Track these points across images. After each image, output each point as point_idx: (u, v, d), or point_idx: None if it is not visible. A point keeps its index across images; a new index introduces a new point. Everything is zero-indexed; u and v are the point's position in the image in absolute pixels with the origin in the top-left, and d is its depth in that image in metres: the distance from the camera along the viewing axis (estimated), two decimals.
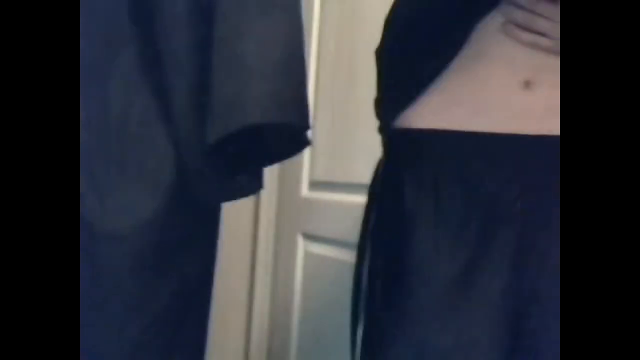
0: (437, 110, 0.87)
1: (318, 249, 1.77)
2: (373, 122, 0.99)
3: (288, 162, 1.81)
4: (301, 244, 1.85)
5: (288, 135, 0.95)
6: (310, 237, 1.81)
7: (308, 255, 1.82)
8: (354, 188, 1.49)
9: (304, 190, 1.85)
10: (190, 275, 0.95)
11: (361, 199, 1.01)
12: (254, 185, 1.02)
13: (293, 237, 1.87)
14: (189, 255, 0.95)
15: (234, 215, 1.93)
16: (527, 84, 0.85)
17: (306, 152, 1.79)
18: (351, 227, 1.03)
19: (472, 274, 0.84)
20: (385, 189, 0.93)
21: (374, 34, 0.98)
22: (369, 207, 0.97)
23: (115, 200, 0.89)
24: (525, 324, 0.85)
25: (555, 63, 0.85)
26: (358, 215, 1.00)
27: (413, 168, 0.88)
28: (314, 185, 1.82)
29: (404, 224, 0.87)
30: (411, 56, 0.90)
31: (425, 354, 0.84)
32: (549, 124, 0.86)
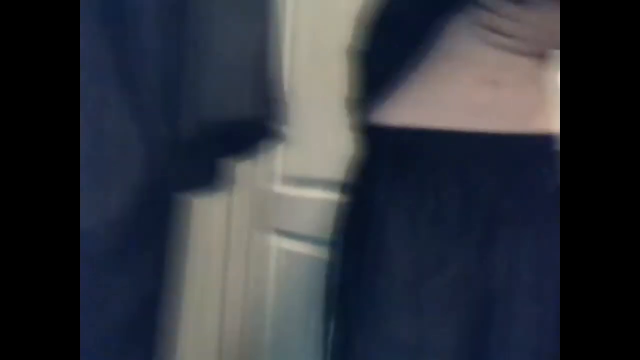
0: (409, 108, 0.89)
1: (291, 245, 1.76)
2: (346, 119, 0.99)
3: (261, 158, 1.81)
4: (274, 240, 1.84)
5: (261, 130, 0.94)
6: (283, 233, 1.80)
7: (281, 252, 1.81)
8: (327, 184, 1.49)
9: (278, 186, 1.84)
10: (156, 274, 0.94)
11: (334, 195, 1.01)
12: (224, 181, 1.02)
13: (266, 233, 1.86)
14: (154, 254, 0.94)
15: (206, 211, 1.91)
16: (495, 83, 0.86)
17: (280, 148, 1.78)
18: (324, 224, 1.03)
19: (439, 270, 0.85)
20: (358, 185, 0.94)
21: (347, 32, 0.98)
22: (341, 204, 0.97)
23: (83, 197, 0.88)
24: (491, 319, 0.86)
25: (521, 62, 0.87)
26: (331, 212, 1.00)
27: (385, 165, 0.89)
28: (288, 181, 1.81)
29: (376, 220, 0.88)
30: (381, 54, 0.91)
31: (395, 348, 0.84)
32: (517, 122, 0.88)
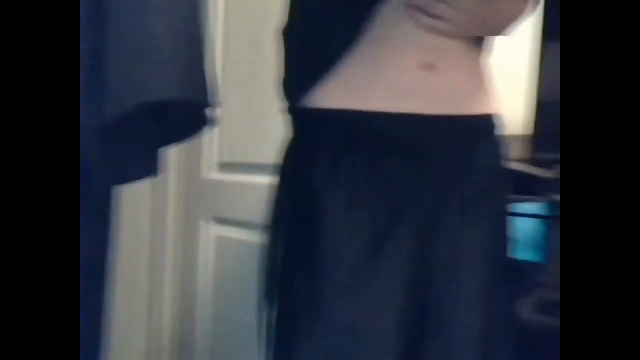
0: (343, 92, 0.88)
1: (228, 232, 1.74)
2: (280, 103, 0.97)
3: (194, 144, 1.77)
4: (211, 227, 1.80)
5: (191, 113, 0.91)
6: (219, 220, 1.77)
7: (218, 239, 1.78)
8: (262, 169, 1.47)
9: (212, 173, 1.80)
10: (81, 266, 0.90)
11: (270, 180, 0.99)
12: (154, 168, 0.98)
13: (202, 220, 1.82)
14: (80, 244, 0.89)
15: (137, 200, 1.86)
16: (429, 66, 0.87)
17: (213, 134, 1.74)
18: (261, 209, 1.01)
19: (378, 252, 0.85)
20: (294, 169, 0.92)
21: (280, 13, 0.96)
22: (278, 189, 0.95)
23: None
24: (431, 298, 0.87)
25: (454, 46, 0.88)
26: (267, 197, 0.98)
27: (321, 148, 0.88)
28: (222, 167, 1.77)
29: (314, 204, 0.87)
30: (315, 37, 0.90)
31: (338, 330, 0.84)
32: (450, 104, 0.88)
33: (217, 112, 0.98)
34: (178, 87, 0.79)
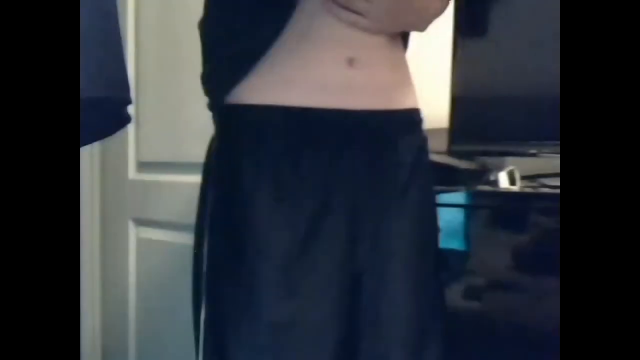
0: (268, 87, 0.87)
1: (151, 233, 1.69)
2: (202, 99, 0.95)
3: (112, 143, 1.70)
4: (132, 229, 1.75)
5: (107, 111, 0.87)
6: (141, 222, 1.72)
7: (141, 241, 1.73)
8: (184, 168, 1.43)
9: (132, 172, 1.74)
10: None
11: (193, 178, 0.97)
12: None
13: (123, 223, 1.76)
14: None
15: None
16: (351, 62, 0.88)
17: (131, 132, 1.68)
18: (184, 209, 0.98)
19: (309, 246, 0.85)
20: (221, 167, 0.91)
21: (199, 3, 0.93)
22: (205, 187, 0.93)
23: None
24: (362, 290, 0.88)
25: (375, 41, 0.89)
26: (191, 196, 0.96)
27: (248, 145, 0.87)
28: (142, 166, 1.72)
29: (243, 200, 0.86)
30: (235, 31, 0.89)
31: (269, 328, 0.83)
32: (372, 99, 0.90)
33: (134, 111, 0.94)
34: (94, 84, 0.76)
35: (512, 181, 1.18)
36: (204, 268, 0.90)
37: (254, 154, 0.86)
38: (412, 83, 0.97)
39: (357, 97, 0.88)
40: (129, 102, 0.83)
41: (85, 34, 0.77)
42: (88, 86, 0.74)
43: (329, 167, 0.87)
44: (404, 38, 0.97)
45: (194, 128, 1.01)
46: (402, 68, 0.96)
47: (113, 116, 0.88)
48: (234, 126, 0.89)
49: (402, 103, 0.94)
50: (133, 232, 1.75)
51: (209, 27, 0.93)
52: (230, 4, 0.90)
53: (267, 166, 0.86)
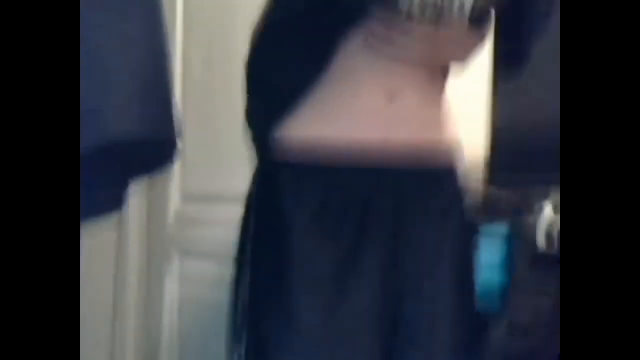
0: (309, 122, 0.90)
1: (194, 265, 1.71)
2: (245, 132, 0.98)
3: (158, 176, 1.74)
4: (176, 260, 1.77)
5: (156, 147, 0.90)
6: (186, 252, 1.74)
7: (184, 273, 1.75)
8: (229, 200, 1.46)
9: (177, 204, 1.78)
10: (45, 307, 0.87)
11: (237, 210, 0.99)
12: (118, 203, 0.96)
13: (166, 254, 1.79)
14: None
15: (96, 234, 1.81)
16: (391, 96, 0.89)
17: (177, 164, 1.72)
18: (228, 240, 1.00)
19: (349, 277, 0.86)
20: (262, 199, 0.92)
21: (245, 41, 0.97)
22: (246, 218, 0.95)
23: None
24: (401, 318, 0.88)
25: (415, 76, 0.91)
26: (235, 228, 0.98)
27: (289, 177, 0.89)
28: (187, 198, 1.75)
29: (283, 232, 0.87)
30: (280, 68, 0.91)
31: (310, 356, 0.84)
32: (413, 133, 0.92)
33: (181, 145, 0.97)
34: (142, 123, 0.79)
35: (556, 211, 1.16)
36: (245, 299, 0.91)
37: (294, 186, 0.88)
38: (451, 116, 0.98)
39: (398, 131, 0.90)
40: (176, 143, 0.87)
41: (130, 72, 0.80)
42: (136, 127, 0.77)
43: (369, 199, 0.88)
44: (444, 71, 0.99)
45: (238, 160, 1.04)
46: (442, 101, 0.97)
47: (161, 153, 0.91)
48: (275, 159, 0.92)
49: (442, 135, 0.95)
50: (177, 263, 1.77)
51: (253, 66, 0.96)
52: (276, 44, 0.93)
53: (308, 198, 0.87)
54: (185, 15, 1.72)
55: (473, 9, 0.87)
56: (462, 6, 0.86)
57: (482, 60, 1.25)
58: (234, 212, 0.98)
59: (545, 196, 1.19)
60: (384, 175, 0.89)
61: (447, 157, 0.96)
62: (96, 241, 1.63)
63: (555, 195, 1.18)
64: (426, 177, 0.92)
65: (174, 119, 0.85)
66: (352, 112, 0.89)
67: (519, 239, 1.15)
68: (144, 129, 0.79)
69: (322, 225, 0.87)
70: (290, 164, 0.90)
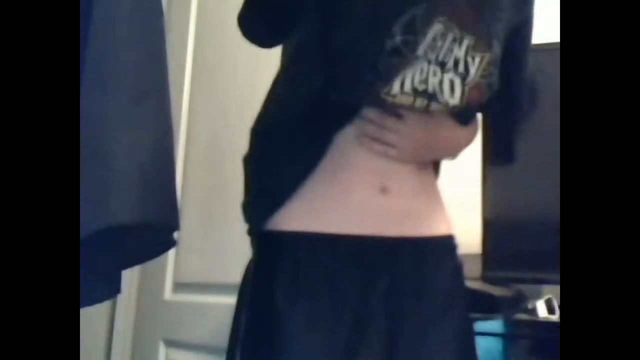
0: (304, 215, 0.91)
1: (181, 356, 1.66)
2: (242, 223, 0.99)
3: (149, 264, 1.73)
4: (162, 351, 1.73)
5: (152, 236, 0.90)
6: (172, 343, 1.70)
7: None
8: (221, 289, 1.44)
9: (167, 293, 1.75)
10: None
11: (228, 300, 0.98)
12: (111, 290, 0.95)
13: (154, 344, 1.75)
14: None
15: (86, 322, 1.78)
16: (384, 190, 0.92)
17: (171, 253, 1.71)
18: (216, 331, 0.98)
19: None
20: (255, 290, 0.92)
21: (244, 136, 1.00)
22: (239, 309, 0.94)
23: None
24: None
25: (406, 170, 0.94)
26: (224, 319, 0.96)
27: (283, 269, 0.89)
28: (179, 287, 1.73)
29: (275, 324, 0.86)
30: (276, 163, 0.94)
31: None
32: (406, 226, 0.93)
33: (177, 235, 0.98)
34: (141, 210, 0.80)
35: (550, 310, 1.16)
36: None
37: (288, 278, 0.88)
38: (444, 209, 1.00)
39: (391, 224, 0.91)
40: (175, 228, 0.87)
41: (131, 160, 0.82)
42: (135, 213, 0.78)
43: (364, 294, 0.88)
44: (435, 165, 1.02)
45: (231, 251, 1.04)
46: (434, 194, 0.99)
47: (157, 241, 0.92)
48: (271, 251, 0.92)
49: (435, 229, 0.96)
50: (163, 354, 1.72)
51: (251, 162, 0.98)
52: (272, 141, 0.96)
53: (302, 291, 0.87)
54: (190, 111, 1.78)
55: (462, 98, 0.90)
56: (452, 92, 0.89)
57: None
58: (225, 302, 0.96)
59: (538, 294, 1.19)
60: (378, 270, 0.89)
61: (441, 251, 0.96)
62: (86, 327, 1.60)
63: (548, 294, 1.17)
64: (422, 272, 0.92)
65: (175, 210, 0.86)
66: (345, 206, 0.91)
67: (515, 337, 1.13)
68: (142, 217, 0.80)
69: (316, 319, 0.86)
70: (283, 256, 0.90)
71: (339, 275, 0.88)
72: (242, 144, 1.00)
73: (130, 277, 1.80)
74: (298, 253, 0.89)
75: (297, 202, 0.91)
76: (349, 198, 0.91)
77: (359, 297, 0.88)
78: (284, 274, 0.88)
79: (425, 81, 0.86)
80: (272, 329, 0.87)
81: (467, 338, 0.95)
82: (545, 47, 1.13)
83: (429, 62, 0.86)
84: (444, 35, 0.86)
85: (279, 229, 0.92)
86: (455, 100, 0.88)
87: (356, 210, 0.90)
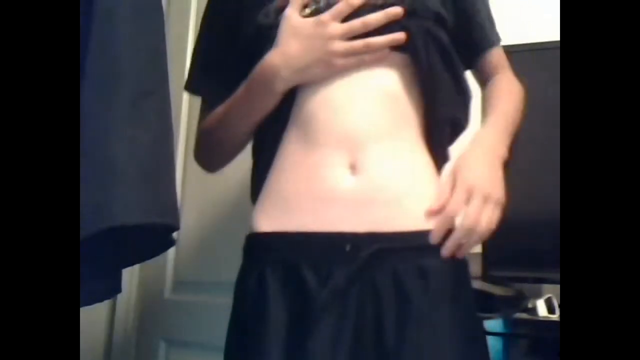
0: (272, 213, 0.91)
1: (181, 355, 1.66)
2: (242, 222, 0.99)
3: (150, 263, 1.73)
4: (162, 350, 1.73)
5: (152, 235, 0.90)
6: (173, 342, 1.70)
7: None
8: (222, 288, 1.44)
9: (168, 292, 1.75)
10: None
11: (230, 299, 0.98)
12: (111, 289, 0.96)
13: (154, 343, 1.75)
14: None
15: (86, 322, 1.78)
16: (353, 167, 0.88)
17: (171, 252, 1.71)
18: (216, 330, 0.98)
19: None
20: (235, 290, 0.93)
21: None
22: (233, 308, 0.96)
23: None
24: None
25: (380, 145, 0.88)
26: (223, 318, 0.97)
27: (256, 268, 0.89)
28: (179, 286, 1.73)
29: (248, 327, 0.87)
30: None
31: None
32: (381, 215, 0.86)
33: (176, 234, 0.98)
34: (142, 211, 0.80)
35: (550, 309, 1.16)
36: None
37: (259, 277, 0.88)
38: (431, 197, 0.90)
39: (363, 214, 0.86)
40: (175, 229, 0.87)
41: (132, 161, 0.82)
42: (136, 214, 0.78)
43: (334, 283, 0.84)
44: (440, 153, 0.97)
45: (231, 250, 1.04)
46: (424, 178, 0.92)
47: (156, 241, 0.92)
48: (246, 252, 0.94)
49: (415, 221, 0.88)
50: (163, 353, 1.73)
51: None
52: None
53: (281, 290, 0.86)
54: (190, 111, 1.78)
55: None
56: None
57: None
58: (224, 302, 0.97)
59: (538, 294, 1.19)
60: (365, 262, 0.85)
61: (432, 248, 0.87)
62: (86, 325, 1.60)
63: (548, 294, 1.17)
64: (413, 269, 0.85)
65: (175, 209, 0.87)
66: (313, 195, 0.88)
67: (515, 337, 1.13)
68: (142, 217, 0.80)
69: (298, 323, 0.84)
70: (257, 256, 0.90)
71: (306, 275, 0.85)
72: None
73: (130, 276, 1.80)
74: (277, 254, 0.89)
75: (267, 197, 0.91)
76: (316, 186, 0.88)
77: (334, 297, 0.84)
78: (256, 272, 0.89)
79: None
80: (244, 331, 0.88)
81: (474, 344, 0.89)
82: (545, 47, 1.13)
83: None
84: None
85: (254, 230, 0.92)
86: None
87: (323, 202, 0.87)
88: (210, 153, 1.04)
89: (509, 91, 1.03)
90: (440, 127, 0.96)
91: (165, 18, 0.95)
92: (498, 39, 1.06)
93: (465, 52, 1.01)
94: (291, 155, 0.91)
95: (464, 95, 0.98)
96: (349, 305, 0.84)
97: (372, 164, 0.88)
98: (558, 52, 0.71)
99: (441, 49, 0.94)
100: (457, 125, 0.99)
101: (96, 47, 0.81)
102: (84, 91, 0.78)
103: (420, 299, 0.84)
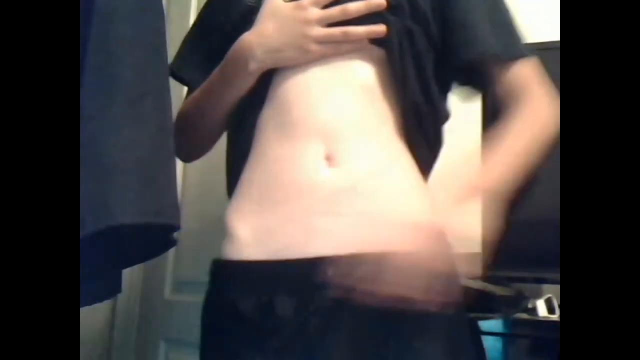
0: (253, 220, 0.91)
1: (182, 355, 1.66)
2: None
3: (150, 263, 1.73)
4: (163, 350, 1.73)
5: (152, 235, 0.90)
6: (173, 342, 1.70)
7: None
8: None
9: (168, 292, 1.75)
10: None
11: None
12: (111, 289, 0.96)
13: (154, 343, 1.75)
14: None
15: (86, 322, 1.78)
16: (329, 159, 0.86)
17: (171, 252, 1.71)
18: None
19: None
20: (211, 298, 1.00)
21: None
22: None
23: None
24: None
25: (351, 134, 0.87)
26: None
27: (235, 278, 0.96)
28: (179, 286, 1.73)
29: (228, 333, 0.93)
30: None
31: None
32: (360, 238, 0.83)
33: (177, 234, 0.98)
34: (141, 210, 0.80)
35: (550, 309, 1.16)
36: None
37: (240, 286, 0.93)
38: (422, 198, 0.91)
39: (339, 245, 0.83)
40: (177, 228, 0.87)
41: (132, 160, 0.82)
42: (136, 213, 0.78)
43: (308, 314, 0.84)
44: (427, 160, 0.96)
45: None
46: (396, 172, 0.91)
47: (157, 240, 0.92)
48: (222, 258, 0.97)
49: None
50: (163, 353, 1.73)
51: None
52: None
53: (231, 310, 0.91)
54: None
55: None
56: None
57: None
58: None
59: (538, 294, 1.19)
60: (305, 292, 0.85)
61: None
62: (86, 326, 1.60)
63: (548, 294, 1.17)
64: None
65: (176, 209, 0.87)
66: (294, 189, 0.87)
67: (515, 337, 1.13)
68: (143, 216, 0.80)
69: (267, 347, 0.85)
70: (234, 266, 0.93)
71: (271, 293, 0.87)
72: None
73: (130, 276, 1.80)
74: (250, 264, 0.92)
75: (241, 193, 0.92)
76: (292, 177, 0.86)
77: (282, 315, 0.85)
78: (233, 284, 0.95)
79: None
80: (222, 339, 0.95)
81: (465, 340, 0.90)
82: (545, 47, 1.13)
83: None
84: None
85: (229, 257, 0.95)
86: None
87: (300, 194, 0.85)
88: (185, 138, 0.99)
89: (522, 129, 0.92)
90: (413, 129, 0.93)
91: (165, 18, 0.95)
92: (511, 52, 0.95)
93: (453, 62, 0.94)
94: (267, 147, 0.90)
95: (432, 105, 0.93)
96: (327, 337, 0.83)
97: (349, 157, 0.86)
98: (558, 52, 0.71)
99: (416, 53, 0.91)
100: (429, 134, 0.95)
101: (96, 46, 0.81)
102: (83, 90, 0.78)
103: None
